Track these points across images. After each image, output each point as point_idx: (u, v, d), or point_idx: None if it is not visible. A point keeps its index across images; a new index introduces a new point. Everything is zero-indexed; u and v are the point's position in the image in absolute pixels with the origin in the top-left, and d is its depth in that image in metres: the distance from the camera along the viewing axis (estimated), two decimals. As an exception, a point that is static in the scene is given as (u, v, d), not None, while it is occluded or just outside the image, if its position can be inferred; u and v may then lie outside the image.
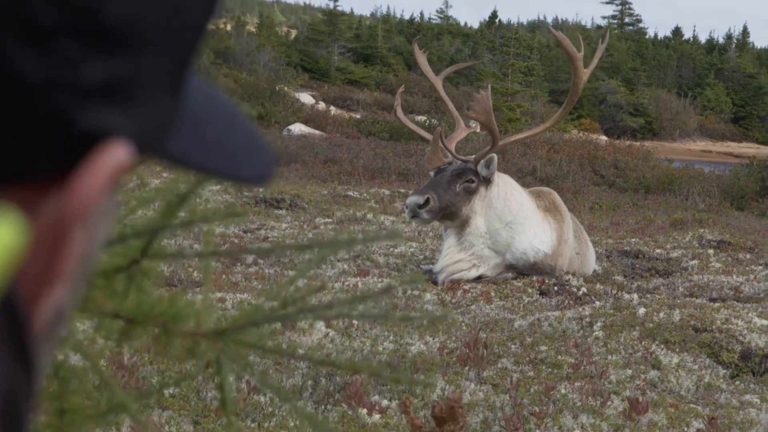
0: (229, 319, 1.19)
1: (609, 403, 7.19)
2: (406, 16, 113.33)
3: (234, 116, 0.79)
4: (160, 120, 0.65)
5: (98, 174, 0.58)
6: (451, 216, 11.26)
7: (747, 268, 13.23)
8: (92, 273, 0.64)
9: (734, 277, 12.51)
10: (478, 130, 13.27)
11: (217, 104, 0.78)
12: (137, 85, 0.61)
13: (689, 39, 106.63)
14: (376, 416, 6.60)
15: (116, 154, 0.59)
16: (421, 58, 13.22)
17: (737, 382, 8.33)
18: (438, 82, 12.97)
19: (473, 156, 11.55)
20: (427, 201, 11.02)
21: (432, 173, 11.54)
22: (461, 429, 5.75)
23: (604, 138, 49.24)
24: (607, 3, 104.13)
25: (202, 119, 0.74)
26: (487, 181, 11.33)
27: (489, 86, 12.51)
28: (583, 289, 11.17)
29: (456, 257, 11.35)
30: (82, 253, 0.61)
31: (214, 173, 0.73)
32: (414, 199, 11.11)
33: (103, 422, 1.32)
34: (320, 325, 8.57)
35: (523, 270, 11.58)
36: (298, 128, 37.61)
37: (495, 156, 11.31)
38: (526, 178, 24.34)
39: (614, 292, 11.15)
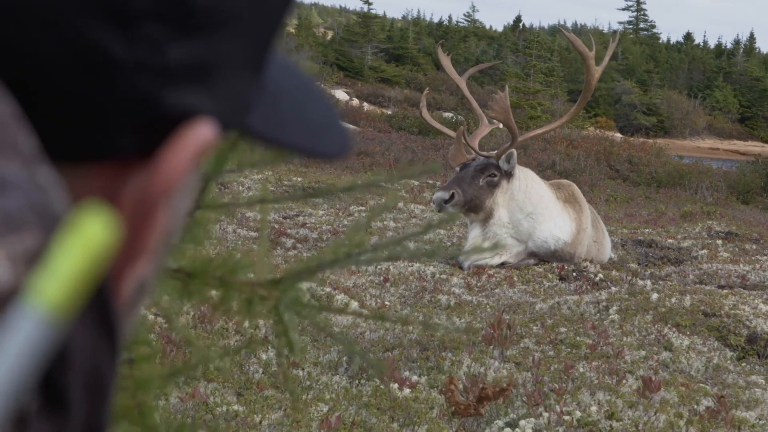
0: (282, 271, 1.18)
1: (624, 381, 7.16)
2: (435, 19, 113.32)
3: (311, 92, 0.77)
4: (242, 98, 0.64)
5: (183, 152, 0.56)
6: (476, 209, 11.25)
7: (753, 258, 13.15)
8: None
9: (741, 265, 12.44)
10: (501, 126, 13.25)
11: (295, 79, 0.76)
12: (221, 65, 0.60)
13: (700, 44, 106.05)
14: (407, 391, 6.60)
15: (200, 132, 0.57)
16: (445, 61, 13.22)
17: (744, 364, 8.30)
18: (462, 82, 12.94)
19: (495, 152, 11.55)
20: (452, 196, 11.01)
21: (457, 169, 11.52)
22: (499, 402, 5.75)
23: (618, 135, 49.05)
24: (623, 9, 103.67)
25: (281, 94, 0.72)
26: (509, 175, 11.32)
27: (507, 87, 12.49)
28: (600, 276, 11.14)
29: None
30: (166, 229, 0.59)
31: (293, 148, 0.71)
32: (440, 195, 11.11)
33: (172, 382, 1.31)
34: (355, 305, 8.57)
35: (544, 257, 11.56)
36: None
37: (515, 151, 11.30)
38: (546, 171, 24.25)
39: (629, 278, 11.12)
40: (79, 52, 0.52)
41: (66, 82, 0.53)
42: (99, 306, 0.51)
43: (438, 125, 13.07)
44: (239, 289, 1.12)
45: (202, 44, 0.58)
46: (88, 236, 0.44)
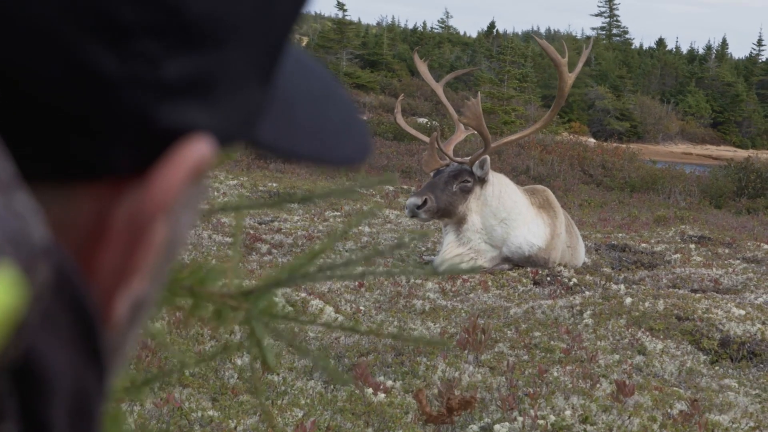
0: (256, 280, 1.16)
1: (598, 385, 7.17)
2: (410, 26, 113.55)
3: (331, 91, 0.75)
4: (249, 110, 0.61)
5: (178, 169, 0.54)
6: (449, 214, 11.28)
7: (726, 262, 13.22)
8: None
9: (714, 270, 12.51)
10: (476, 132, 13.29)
11: (313, 79, 0.74)
12: (224, 78, 0.58)
13: (672, 49, 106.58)
14: (381, 395, 6.59)
15: (198, 149, 0.55)
16: (422, 67, 13.23)
17: (717, 368, 8.34)
18: (439, 88, 12.95)
19: (468, 158, 11.57)
20: (425, 202, 11.03)
21: (431, 174, 11.53)
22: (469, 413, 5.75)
23: (592, 140, 49.21)
24: (596, 15, 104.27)
25: (296, 99, 0.69)
26: (482, 181, 11.33)
27: (479, 93, 12.54)
28: (574, 280, 11.17)
29: (455, 251, 11.36)
30: (164, 246, 0.57)
31: (305, 159, 0.68)
32: (413, 201, 11.13)
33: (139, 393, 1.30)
34: (329, 310, 8.57)
35: (518, 262, 11.59)
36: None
37: (488, 157, 11.33)
38: (520, 176, 24.31)
39: (603, 282, 11.16)
40: (69, 68, 0.51)
41: (56, 98, 0.51)
42: (82, 330, 0.49)
43: (412, 131, 13.08)
44: (209, 299, 1.11)
45: (202, 58, 0.56)
46: None
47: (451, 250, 11.37)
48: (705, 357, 8.54)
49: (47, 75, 0.50)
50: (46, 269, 0.45)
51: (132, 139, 0.53)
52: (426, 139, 12.23)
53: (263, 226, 13.76)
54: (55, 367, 0.47)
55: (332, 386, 6.75)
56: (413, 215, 11.21)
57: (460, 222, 11.35)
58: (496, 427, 6.18)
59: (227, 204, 1.17)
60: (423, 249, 12.87)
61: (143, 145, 0.54)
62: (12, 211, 0.44)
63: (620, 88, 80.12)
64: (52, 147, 0.51)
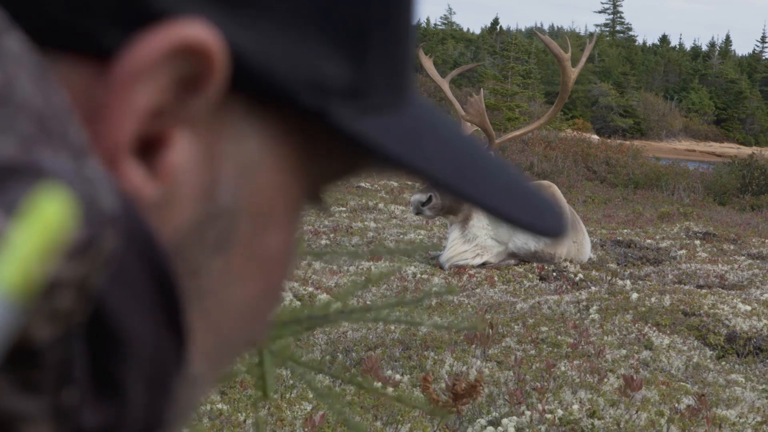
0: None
1: (605, 380, 7.18)
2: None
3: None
4: (310, 59, 0.50)
5: (154, 44, 0.46)
6: (454, 211, 11.28)
7: (731, 258, 13.22)
8: None
9: (719, 265, 12.50)
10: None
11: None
12: None
13: (675, 46, 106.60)
14: (390, 389, 6.60)
15: (189, 28, 0.46)
16: (427, 63, 13.21)
17: (723, 363, 8.34)
18: (445, 84, 12.94)
19: (473, 154, 11.56)
20: (429, 198, 11.04)
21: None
22: (474, 401, 5.75)
23: (595, 137, 49.12)
24: (600, 12, 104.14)
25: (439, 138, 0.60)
26: (488, 177, 11.32)
27: (482, 90, 12.52)
28: (580, 275, 11.18)
29: (461, 249, 11.37)
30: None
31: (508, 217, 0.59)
32: (418, 198, 11.15)
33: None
34: (337, 304, 8.56)
35: (524, 258, 11.59)
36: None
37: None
38: (524, 173, 24.27)
39: (609, 278, 11.16)
40: None
41: None
42: (161, 298, 0.47)
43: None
44: None
45: None
46: (45, 216, 0.41)
47: (456, 247, 11.37)
48: (711, 352, 8.54)
49: None
50: (114, 235, 0.44)
51: (124, 12, 0.46)
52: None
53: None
54: (133, 331, 0.45)
55: (340, 380, 6.75)
56: (418, 212, 11.22)
57: (465, 219, 11.35)
58: (504, 421, 6.19)
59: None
60: (429, 245, 12.88)
61: (136, 23, 0.46)
62: (83, 176, 0.42)
63: (624, 84, 79.99)
64: (26, 11, 0.46)
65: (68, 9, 0.45)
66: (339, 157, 0.57)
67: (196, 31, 0.46)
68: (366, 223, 14.39)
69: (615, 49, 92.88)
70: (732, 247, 14.40)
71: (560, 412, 6.41)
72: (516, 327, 8.52)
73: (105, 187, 0.43)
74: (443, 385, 6.43)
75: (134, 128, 0.46)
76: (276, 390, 6.42)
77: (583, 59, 12.24)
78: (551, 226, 0.61)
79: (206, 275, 0.52)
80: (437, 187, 0.56)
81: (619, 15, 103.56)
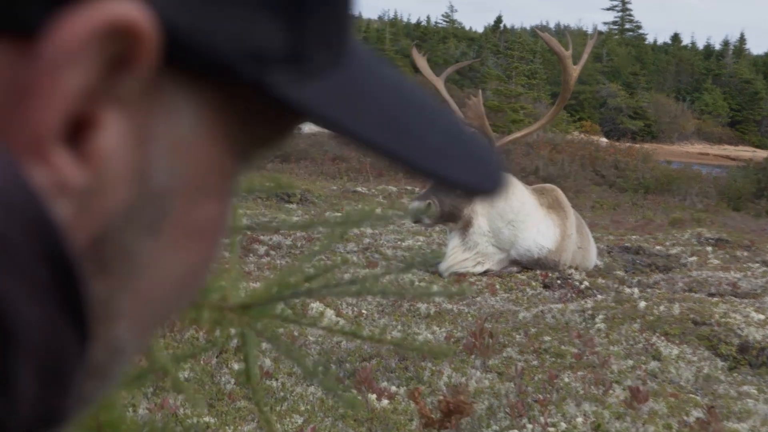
0: (253, 294, 1.17)
1: (611, 391, 7.17)
2: (413, 20, 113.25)
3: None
4: (239, 24, 0.49)
5: (79, 24, 0.44)
6: (453, 218, 11.28)
7: (744, 265, 13.22)
8: None
9: (732, 273, 12.50)
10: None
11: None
12: None
13: (687, 45, 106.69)
14: (385, 401, 6.59)
15: (115, 5, 0.45)
16: (421, 62, 13.21)
17: (735, 374, 8.33)
18: (440, 83, 12.94)
19: (473, 158, 11.56)
20: (428, 206, 11.03)
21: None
22: (467, 417, 5.75)
23: (604, 140, 49.17)
24: (608, 9, 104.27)
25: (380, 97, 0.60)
26: (488, 182, 11.33)
27: (481, 91, 12.54)
28: (586, 283, 11.17)
29: (461, 257, 11.37)
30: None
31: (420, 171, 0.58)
32: (416, 205, 11.12)
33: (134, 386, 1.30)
34: (330, 313, 8.56)
35: (527, 265, 11.59)
36: (307, 127, 37.43)
37: (491, 158, 11.32)
38: (528, 177, 24.30)
39: (615, 286, 11.16)
40: None
41: None
42: (58, 280, 0.45)
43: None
44: (209, 310, 1.12)
45: None
46: None
47: (456, 255, 11.37)
48: (723, 363, 8.53)
49: None
50: None
51: None
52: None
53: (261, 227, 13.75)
54: (22, 317, 0.43)
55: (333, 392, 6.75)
56: (417, 220, 11.22)
57: (466, 225, 11.35)
58: (505, 434, 6.19)
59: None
60: (428, 251, 12.86)
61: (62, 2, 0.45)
62: None
63: (633, 85, 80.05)
64: None
65: None
66: (274, 122, 0.57)
67: (125, 8, 0.45)
68: (362, 229, 14.38)
69: (624, 48, 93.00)
70: (746, 254, 14.40)
71: (563, 425, 6.41)
72: (518, 336, 8.52)
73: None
74: (441, 397, 6.42)
75: (62, 112, 0.45)
76: (266, 403, 6.41)
77: (585, 55, 12.26)
78: (488, 183, 0.63)
79: (139, 254, 0.52)
80: (370, 150, 0.56)
81: (628, 12, 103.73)
